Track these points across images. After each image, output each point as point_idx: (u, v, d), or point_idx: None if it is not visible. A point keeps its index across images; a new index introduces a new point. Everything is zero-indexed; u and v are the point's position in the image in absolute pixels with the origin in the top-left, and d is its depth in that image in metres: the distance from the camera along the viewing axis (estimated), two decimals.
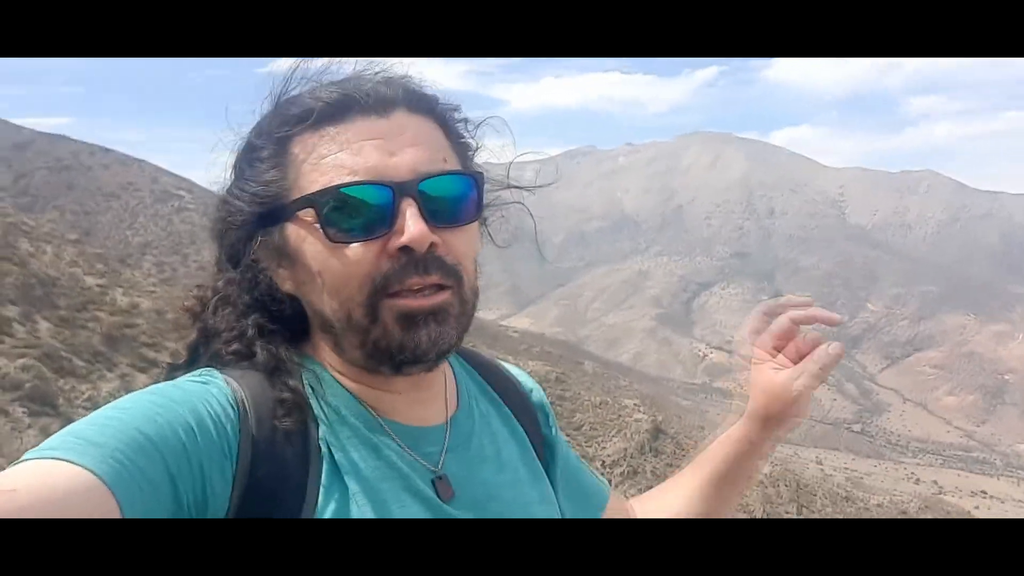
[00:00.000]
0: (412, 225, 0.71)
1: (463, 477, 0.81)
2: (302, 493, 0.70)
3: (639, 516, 1.06)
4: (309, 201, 0.72)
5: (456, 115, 0.82)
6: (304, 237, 0.74)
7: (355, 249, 0.72)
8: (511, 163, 0.85)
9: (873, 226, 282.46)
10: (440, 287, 0.74)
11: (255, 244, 0.76)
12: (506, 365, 1.01)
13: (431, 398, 0.84)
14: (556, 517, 0.89)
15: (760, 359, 0.96)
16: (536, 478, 0.90)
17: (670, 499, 1.04)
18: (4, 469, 0.58)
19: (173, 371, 0.79)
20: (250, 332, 0.77)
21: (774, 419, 0.96)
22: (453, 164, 0.78)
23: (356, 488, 0.72)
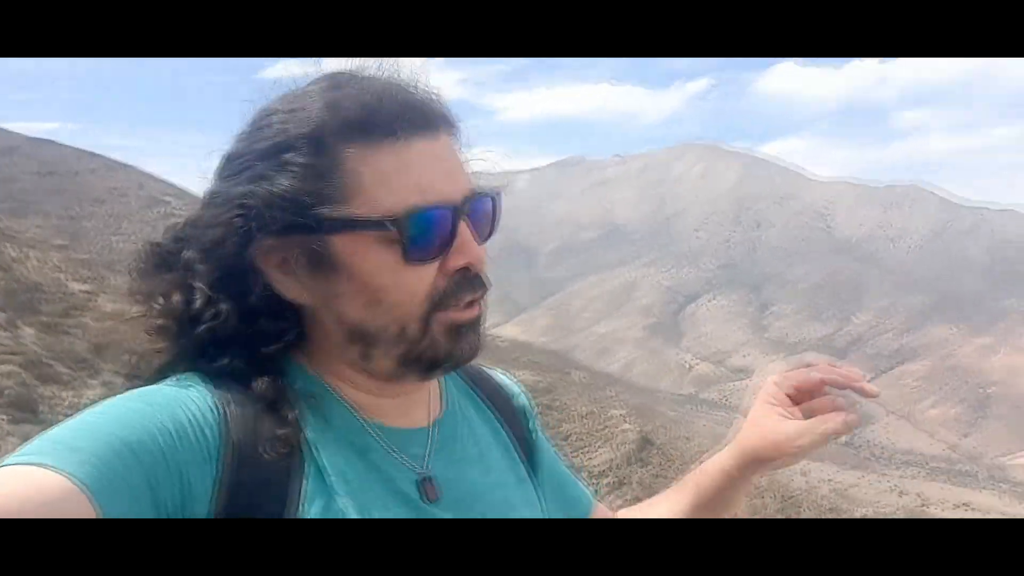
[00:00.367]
0: (473, 247, 0.75)
1: (448, 479, 0.81)
2: (284, 496, 0.70)
3: None
4: (384, 221, 0.72)
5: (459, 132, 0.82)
6: (366, 253, 0.73)
7: (423, 269, 0.74)
8: (483, 172, 0.84)
9: (859, 239, 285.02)
10: (480, 299, 0.78)
11: (266, 251, 0.74)
12: (491, 370, 1.01)
13: (417, 401, 0.84)
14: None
15: (772, 400, 0.92)
16: (520, 481, 0.91)
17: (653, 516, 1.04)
18: None
19: (153, 376, 0.76)
20: (232, 334, 0.75)
21: (759, 462, 0.93)
22: (476, 184, 0.80)
23: (340, 490, 0.72)
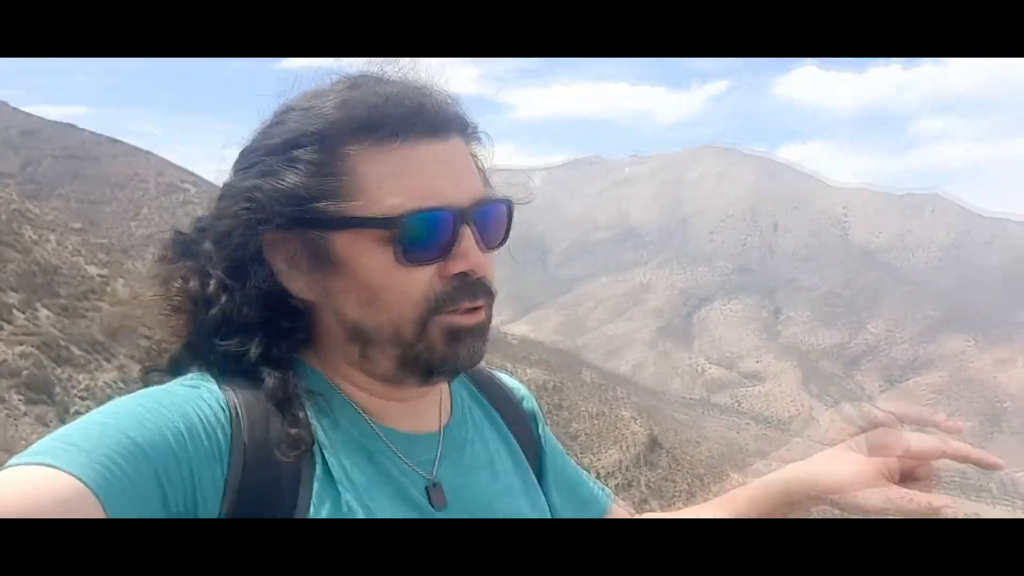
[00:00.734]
0: (474, 253, 0.75)
1: (456, 485, 0.81)
2: (294, 499, 0.70)
3: None
4: (382, 221, 0.73)
5: (478, 136, 0.83)
6: (364, 252, 0.74)
7: (420, 271, 0.74)
8: (493, 170, 0.85)
9: (876, 247, 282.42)
10: (482, 306, 0.77)
11: (274, 245, 0.76)
12: (499, 374, 1.02)
13: (426, 406, 0.85)
14: None
15: (886, 471, 0.87)
16: (529, 488, 0.91)
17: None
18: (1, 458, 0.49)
19: (163, 373, 0.78)
20: (243, 333, 0.76)
21: (798, 505, 0.91)
22: (488, 187, 0.81)
23: (348, 494, 0.73)
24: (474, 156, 0.82)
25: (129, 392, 0.71)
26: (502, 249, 0.84)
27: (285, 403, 0.73)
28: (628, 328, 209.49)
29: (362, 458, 0.76)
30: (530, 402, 1.00)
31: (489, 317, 0.79)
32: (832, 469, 0.89)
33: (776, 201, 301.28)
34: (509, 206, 0.81)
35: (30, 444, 0.61)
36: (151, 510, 0.61)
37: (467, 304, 0.76)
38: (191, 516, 0.64)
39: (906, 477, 0.88)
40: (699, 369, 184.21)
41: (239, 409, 0.71)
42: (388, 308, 0.74)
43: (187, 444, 0.65)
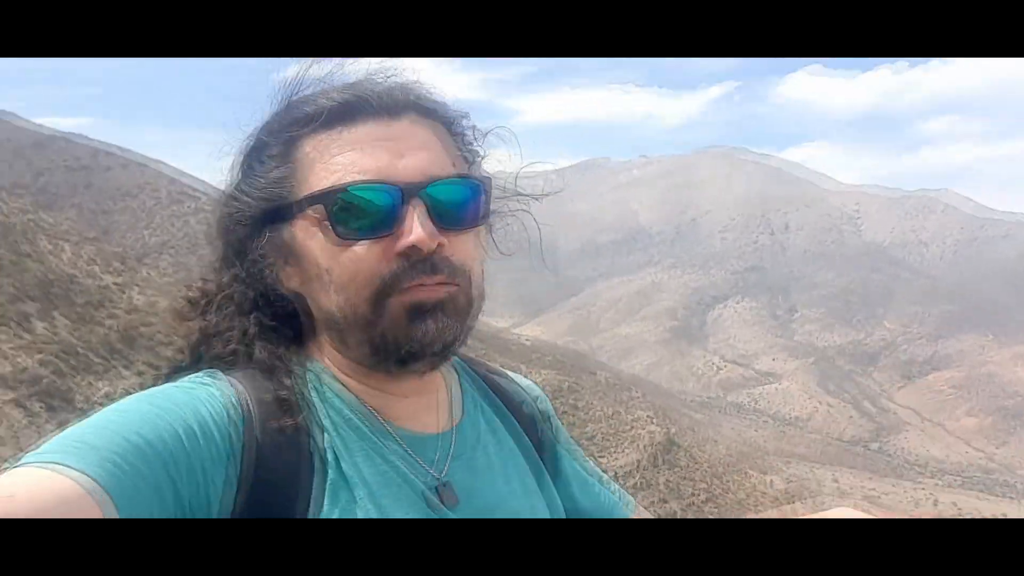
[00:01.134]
0: (418, 226, 0.72)
1: (467, 485, 0.81)
2: (307, 497, 0.70)
3: None
4: (318, 199, 0.73)
5: (465, 122, 0.84)
6: (312, 234, 0.75)
7: (362, 247, 0.73)
8: (517, 173, 0.86)
9: (890, 243, 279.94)
10: (447, 283, 0.75)
11: (262, 240, 0.77)
12: (512, 375, 1.01)
13: (436, 405, 0.84)
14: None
15: None
16: (540, 488, 0.90)
17: None
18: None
19: (175, 373, 0.79)
20: (251, 330, 0.78)
21: None
22: (461, 170, 0.79)
23: (359, 492, 0.73)
24: (456, 138, 0.82)
25: None
26: (510, 252, 0.83)
27: (292, 402, 0.74)
28: (640, 328, 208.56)
29: (372, 455, 0.76)
30: (544, 402, 1.00)
31: (461, 295, 0.76)
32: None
33: (786, 200, 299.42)
34: (481, 184, 0.79)
35: None
36: (163, 508, 0.61)
37: (424, 280, 0.73)
38: (203, 514, 0.64)
39: None
40: (714, 368, 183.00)
41: (250, 406, 0.72)
42: (341, 288, 0.74)
43: (199, 442, 0.65)
